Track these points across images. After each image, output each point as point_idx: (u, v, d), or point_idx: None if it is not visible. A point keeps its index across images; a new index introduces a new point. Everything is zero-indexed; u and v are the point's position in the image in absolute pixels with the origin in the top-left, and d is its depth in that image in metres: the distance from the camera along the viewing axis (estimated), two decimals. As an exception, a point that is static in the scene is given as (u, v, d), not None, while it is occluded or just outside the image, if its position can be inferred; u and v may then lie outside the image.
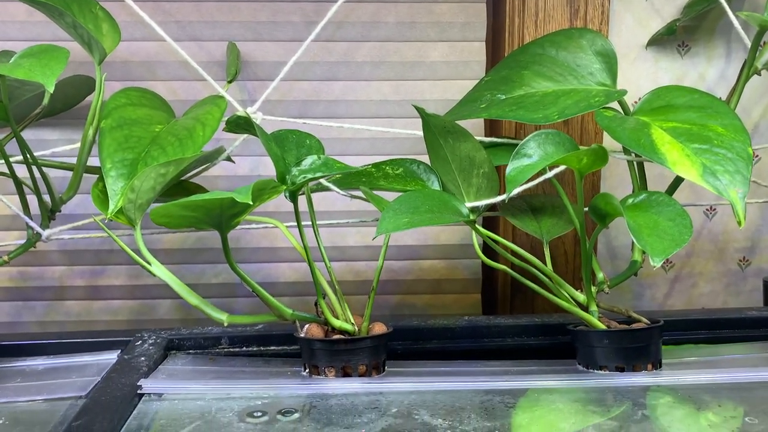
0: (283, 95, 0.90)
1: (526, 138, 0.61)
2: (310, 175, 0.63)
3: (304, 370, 0.64)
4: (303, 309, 0.97)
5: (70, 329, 0.94)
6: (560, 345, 0.71)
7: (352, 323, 0.64)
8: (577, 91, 0.73)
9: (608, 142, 0.93)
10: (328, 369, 0.62)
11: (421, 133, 0.73)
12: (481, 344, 0.71)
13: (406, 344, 0.71)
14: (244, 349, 0.71)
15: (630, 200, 0.62)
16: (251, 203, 0.52)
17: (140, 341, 0.69)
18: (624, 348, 0.62)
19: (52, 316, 0.94)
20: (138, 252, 0.64)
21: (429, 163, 0.74)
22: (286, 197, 0.64)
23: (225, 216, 0.60)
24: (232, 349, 0.70)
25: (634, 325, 0.65)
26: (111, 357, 0.67)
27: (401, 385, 0.60)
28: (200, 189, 0.76)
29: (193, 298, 0.65)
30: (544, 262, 0.70)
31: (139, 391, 0.59)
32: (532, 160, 0.60)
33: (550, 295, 0.68)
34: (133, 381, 0.60)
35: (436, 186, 0.74)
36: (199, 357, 0.69)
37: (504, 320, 0.73)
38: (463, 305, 0.96)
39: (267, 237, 0.94)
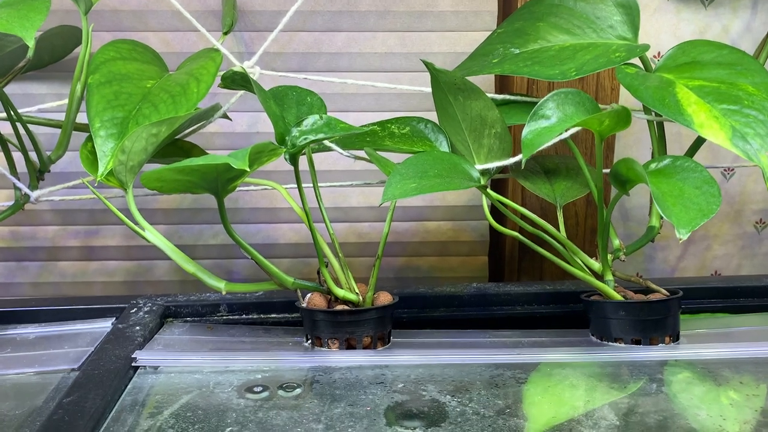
0: (282, 47, 0.85)
1: (545, 98, 0.57)
2: (311, 137, 0.59)
3: (306, 341, 0.61)
4: (305, 272, 0.95)
5: (66, 291, 0.91)
6: (572, 314, 0.69)
7: (356, 293, 0.61)
8: (596, 45, 0.68)
9: (624, 97, 0.88)
10: (331, 341, 0.59)
11: (429, 89, 0.69)
12: (490, 313, 0.69)
13: (412, 312, 0.68)
14: (244, 316, 0.68)
15: (653, 165, 0.58)
16: (248, 169, 0.49)
17: (135, 309, 0.66)
18: (641, 320, 0.60)
19: (46, 277, 0.91)
20: (131, 216, 0.61)
21: (437, 122, 0.70)
22: (285, 159, 0.60)
23: (221, 180, 0.57)
24: (231, 317, 0.68)
25: (652, 297, 0.62)
26: (105, 325, 0.65)
27: (407, 358, 0.58)
28: (195, 148, 0.72)
29: (189, 265, 0.62)
30: (557, 228, 0.67)
31: (133, 364, 0.56)
32: (551, 122, 0.56)
33: (563, 263, 0.65)
34: (127, 353, 0.57)
35: (444, 146, 0.70)
36: (197, 325, 0.66)
37: (514, 288, 0.70)
38: (470, 268, 0.93)
39: (266, 197, 0.90)
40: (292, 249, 0.92)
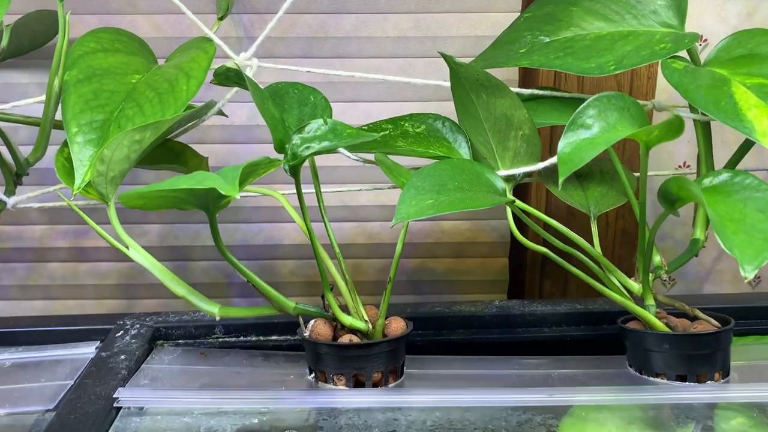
0: (284, 31, 0.77)
1: (585, 103, 0.50)
2: (315, 146, 0.52)
3: (310, 374, 0.55)
4: (310, 274, 0.89)
5: (55, 294, 0.85)
6: (606, 337, 0.62)
7: (366, 320, 0.55)
8: (637, 33, 0.60)
9: (661, 86, 0.80)
10: (337, 377, 0.53)
11: (447, 83, 0.61)
12: (513, 335, 0.62)
13: (427, 335, 0.62)
14: (242, 338, 0.62)
15: (707, 181, 0.50)
16: (237, 196, 0.41)
17: (121, 332, 0.60)
18: (687, 355, 0.53)
19: (35, 279, 0.85)
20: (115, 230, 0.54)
21: (455, 119, 0.63)
22: (285, 171, 0.53)
23: (212, 196, 0.50)
24: (227, 339, 0.61)
25: (699, 327, 0.55)
26: (88, 351, 0.59)
27: (423, 399, 0.51)
28: (187, 150, 0.65)
29: (179, 288, 0.55)
30: (590, 242, 0.60)
31: (115, 404, 0.50)
32: (592, 132, 0.48)
33: (597, 284, 0.57)
34: (109, 390, 0.51)
35: (464, 149, 0.62)
36: (190, 350, 0.60)
37: (540, 307, 0.63)
38: (489, 270, 0.86)
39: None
40: (296, 250, 0.85)
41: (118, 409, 0.50)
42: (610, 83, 0.78)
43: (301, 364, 0.57)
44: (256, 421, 0.49)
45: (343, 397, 0.51)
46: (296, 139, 0.53)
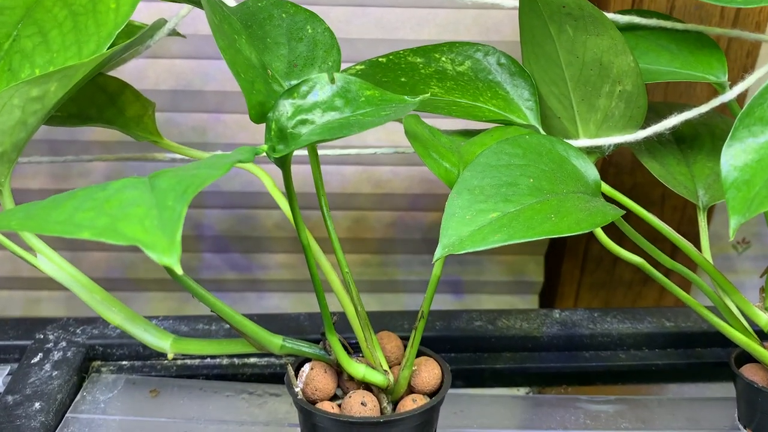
0: None
1: (763, 87, 0.30)
2: (317, 120, 0.33)
3: (304, 440, 0.39)
4: (300, 269, 0.71)
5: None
6: (704, 367, 0.46)
7: (385, 370, 0.38)
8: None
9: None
10: (343, 457, 0.36)
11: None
12: (578, 363, 0.46)
13: (463, 360, 0.45)
14: (208, 361, 0.45)
15: None
16: (178, 271, 0.23)
17: (40, 354, 0.43)
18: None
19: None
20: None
21: (515, 55, 0.43)
22: (269, 158, 0.34)
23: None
24: (188, 363, 0.45)
25: None
26: (-9, 384, 0.42)
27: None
28: (126, 91, 0.45)
29: (112, 313, 0.38)
30: (698, 247, 0.42)
31: (19, 500, 0.34)
32: (778, 133, 0.29)
33: (706, 312, 0.41)
34: (10, 474, 0.35)
35: (527, 103, 0.43)
36: (136, 383, 0.43)
37: (615, 325, 0.47)
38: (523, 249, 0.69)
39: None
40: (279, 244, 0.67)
41: (24, 506, 0.34)
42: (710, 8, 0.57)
43: (290, 411, 0.40)
44: None
45: (352, 491, 0.35)
46: (286, 106, 0.33)
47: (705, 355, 0.46)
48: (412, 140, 0.37)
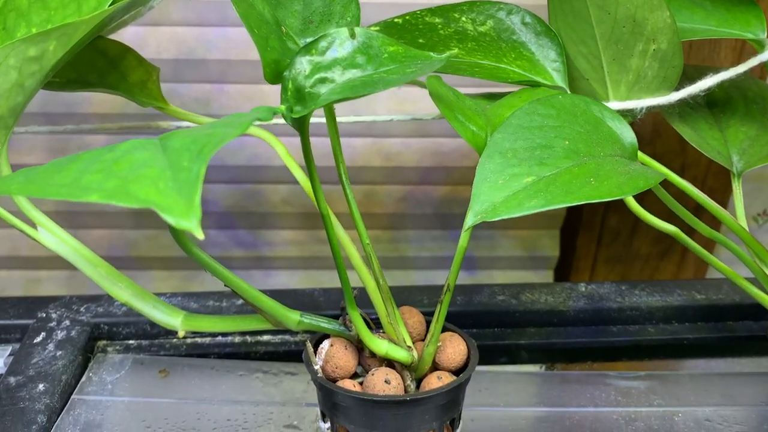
0: None
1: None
2: (337, 78, 0.30)
3: (323, 421, 0.37)
4: (306, 206, 0.68)
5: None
6: (736, 341, 0.44)
7: (408, 346, 0.36)
8: None
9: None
10: (366, 438, 0.35)
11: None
12: (606, 338, 0.44)
13: (486, 336, 0.43)
14: (219, 339, 0.43)
15: None
16: (199, 236, 0.21)
17: (43, 333, 0.41)
18: None
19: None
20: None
21: (541, 14, 0.41)
22: (285, 120, 0.32)
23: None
24: (198, 342, 0.43)
25: None
26: (-8, 365, 0.40)
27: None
28: (128, 56, 0.42)
29: (119, 289, 0.35)
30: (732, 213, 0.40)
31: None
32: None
33: (743, 282, 0.39)
34: (14, 459, 0.33)
35: (554, 65, 0.41)
36: (144, 362, 0.41)
37: (645, 298, 0.45)
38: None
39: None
40: (289, 172, 0.64)
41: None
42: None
43: (307, 390, 0.38)
44: None
45: (377, 473, 0.34)
46: (303, 63, 0.31)
47: (737, 329, 0.44)
48: (437, 101, 0.35)
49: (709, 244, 0.51)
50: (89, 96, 0.59)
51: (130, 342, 0.42)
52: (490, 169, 0.31)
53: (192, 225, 0.20)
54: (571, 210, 0.68)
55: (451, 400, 0.35)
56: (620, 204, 0.68)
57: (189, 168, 0.22)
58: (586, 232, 0.69)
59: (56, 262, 0.66)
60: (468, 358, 0.36)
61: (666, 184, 0.38)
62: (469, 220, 0.29)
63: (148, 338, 0.42)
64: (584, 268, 0.70)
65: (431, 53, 0.32)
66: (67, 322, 0.41)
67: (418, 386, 0.36)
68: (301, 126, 0.31)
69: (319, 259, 0.69)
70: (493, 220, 0.29)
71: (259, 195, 0.66)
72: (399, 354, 0.35)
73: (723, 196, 0.63)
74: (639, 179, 0.31)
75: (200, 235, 0.20)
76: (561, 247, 0.70)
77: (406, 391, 0.35)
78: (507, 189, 0.30)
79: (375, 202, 0.66)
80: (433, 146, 0.64)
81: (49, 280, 0.67)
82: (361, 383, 0.36)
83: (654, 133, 0.62)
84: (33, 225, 0.36)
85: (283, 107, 0.30)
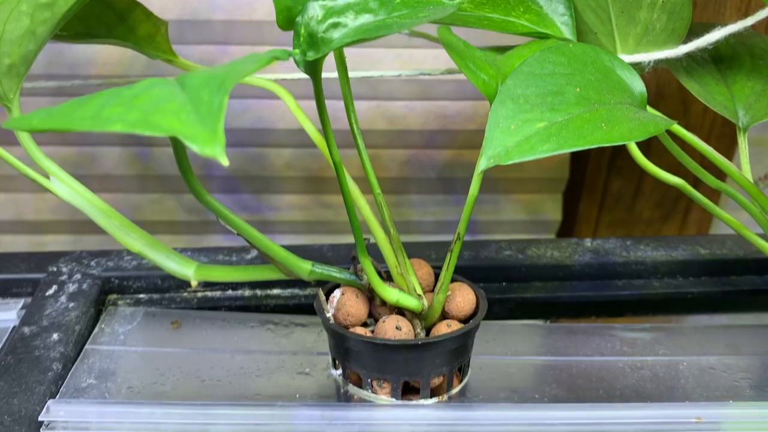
0: None
1: None
2: (350, 23, 0.30)
3: (334, 368, 0.37)
4: (311, 170, 0.68)
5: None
6: (741, 295, 0.45)
7: (419, 294, 0.36)
8: None
9: None
10: (378, 383, 0.35)
11: None
12: (613, 291, 0.44)
13: (492, 289, 0.44)
14: (230, 293, 0.43)
15: None
16: (224, 162, 0.21)
17: (55, 285, 0.41)
18: None
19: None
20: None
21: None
22: (297, 65, 0.32)
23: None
24: (209, 295, 0.43)
25: None
26: (6, 318, 0.40)
27: (503, 414, 0.34)
28: (136, 10, 0.42)
29: (132, 238, 0.36)
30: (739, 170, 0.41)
31: (43, 430, 0.33)
32: None
33: (750, 234, 0.39)
34: (32, 404, 0.33)
35: (563, 18, 0.41)
36: (156, 315, 0.42)
37: (650, 252, 0.45)
38: (544, 165, 0.67)
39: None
40: (294, 136, 0.65)
41: (48, 435, 0.33)
42: None
43: (318, 340, 0.39)
44: (260, 459, 0.32)
45: (386, 415, 0.34)
46: (315, 9, 0.31)
47: (741, 283, 0.45)
48: (448, 50, 0.35)
49: (714, 200, 0.51)
50: (94, 57, 0.59)
51: (141, 296, 0.43)
52: (503, 114, 0.31)
53: (216, 152, 0.20)
54: (573, 174, 0.68)
55: (461, 346, 0.35)
56: (623, 168, 0.69)
57: (210, 101, 0.22)
58: (588, 196, 0.69)
59: (61, 226, 0.67)
60: (477, 307, 0.37)
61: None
62: (482, 164, 0.30)
63: (159, 292, 0.43)
64: (586, 232, 0.71)
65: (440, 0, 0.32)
66: (78, 276, 0.42)
67: (427, 335, 0.37)
68: (313, 71, 0.31)
69: (323, 224, 0.69)
70: (507, 163, 0.30)
71: (263, 159, 0.66)
72: (410, 302, 0.36)
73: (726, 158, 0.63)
74: (649, 125, 0.31)
75: (225, 161, 0.21)
76: (563, 212, 0.70)
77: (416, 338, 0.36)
78: (519, 134, 0.30)
79: (379, 166, 0.67)
80: (438, 109, 0.64)
81: (54, 244, 0.67)
82: (372, 332, 0.36)
83: (657, 95, 0.63)
84: (46, 176, 0.36)
85: (297, 51, 0.30)
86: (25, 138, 0.35)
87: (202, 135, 0.21)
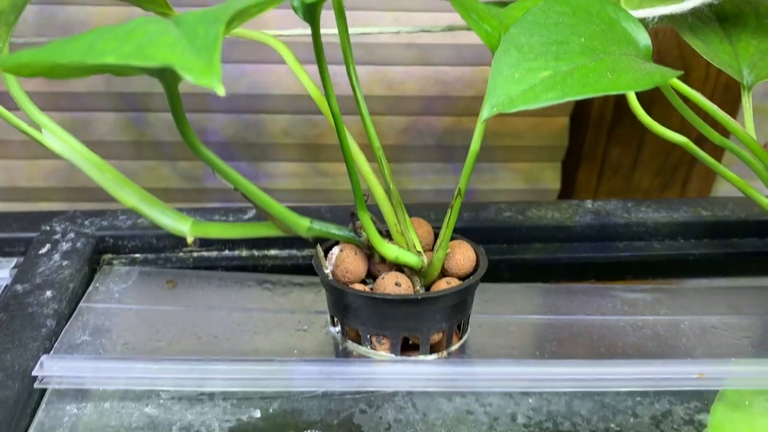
0: None
1: None
2: (347, -32, 0.29)
3: (333, 326, 0.37)
4: (308, 137, 0.67)
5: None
6: (742, 257, 0.44)
7: (419, 251, 0.36)
8: None
9: None
10: (377, 339, 0.35)
11: None
12: (613, 253, 0.44)
13: (492, 250, 0.44)
14: (226, 253, 0.43)
15: None
16: (220, 93, 0.20)
17: (48, 244, 0.41)
18: None
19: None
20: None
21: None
22: (294, 11, 0.31)
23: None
24: (205, 255, 0.43)
25: None
26: (-2, 276, 0.40)
27: (503, 370, 0.34)
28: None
29: (125, 192, 0.35)
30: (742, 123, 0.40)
31: (38, 385, 0.32)
32: None
33: (755, 193, 0.39)
34: (26, 360, 0.33)
35: (565, -27, 0.40)
36: (151, 275, 0.41)
37: (651, 214, 0.45)
38: (544, 133, 0.67)
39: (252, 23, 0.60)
40: (291, 102, 0.64)
41: (44, 390, 0.33)
42: None
43: (318, 302, 0.39)
44: (257, 414, 0.32)
45: (386, 370, 0.34)
46: (314, -47, 0.30)
47: (742, 245, 0.44)
48: (452, 1, 0.34)
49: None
50: (87, 20, 0.58)
51: (136, 255, 0.42)
52: (506, 63, 0.30)
53: (213, 82, 0.20)
54: (572, 143, 0.68)
55: (461, 302, 0.35)
56: (622, 136, 0.68)
57: (205, 35, 0.22)
58: (587, 165, 0.69)
59: (54, 193, 0.66)
60: (477, 265, 0.36)
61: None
62: (486, 112, 0.29)
63: (155, 252, 0.42)
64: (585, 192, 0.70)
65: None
66: (72, 235, 0.41)
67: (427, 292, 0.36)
68: (312, 16, 0.31)
69: (320, 192, 0.69)
70: (510, 111, 0.29)
71: (259, 125, 0.65)
72: (409, 258, 0.35)
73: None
74: (655, 74, 0.31)
75: (221, 91, 0.20)
76: (562, 181, 0.70)
77: (416, 294, 0.35)
78: (523, 83, 0.30)
79: (377, 133, 0.66)
80: (436, 75, 0.63)
81: (47, 211, 0.66)
82: (371, 289, 0.36)
83: (657, 61, 0.62)
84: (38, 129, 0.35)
85: (295, -5, 0.29)
86: (15, 88, 0.34)
87: (197, 65, 0.20)
